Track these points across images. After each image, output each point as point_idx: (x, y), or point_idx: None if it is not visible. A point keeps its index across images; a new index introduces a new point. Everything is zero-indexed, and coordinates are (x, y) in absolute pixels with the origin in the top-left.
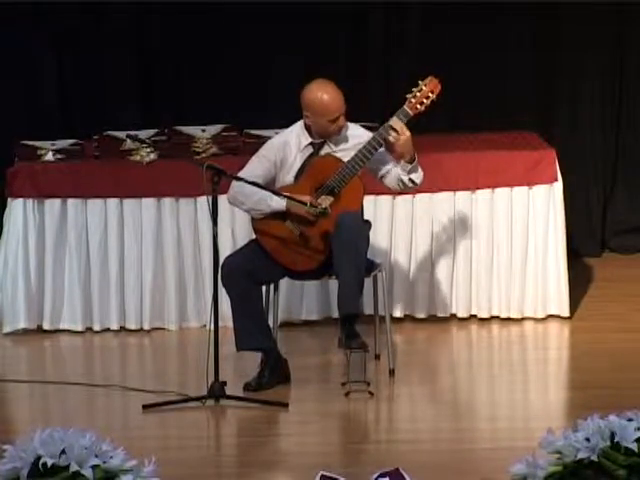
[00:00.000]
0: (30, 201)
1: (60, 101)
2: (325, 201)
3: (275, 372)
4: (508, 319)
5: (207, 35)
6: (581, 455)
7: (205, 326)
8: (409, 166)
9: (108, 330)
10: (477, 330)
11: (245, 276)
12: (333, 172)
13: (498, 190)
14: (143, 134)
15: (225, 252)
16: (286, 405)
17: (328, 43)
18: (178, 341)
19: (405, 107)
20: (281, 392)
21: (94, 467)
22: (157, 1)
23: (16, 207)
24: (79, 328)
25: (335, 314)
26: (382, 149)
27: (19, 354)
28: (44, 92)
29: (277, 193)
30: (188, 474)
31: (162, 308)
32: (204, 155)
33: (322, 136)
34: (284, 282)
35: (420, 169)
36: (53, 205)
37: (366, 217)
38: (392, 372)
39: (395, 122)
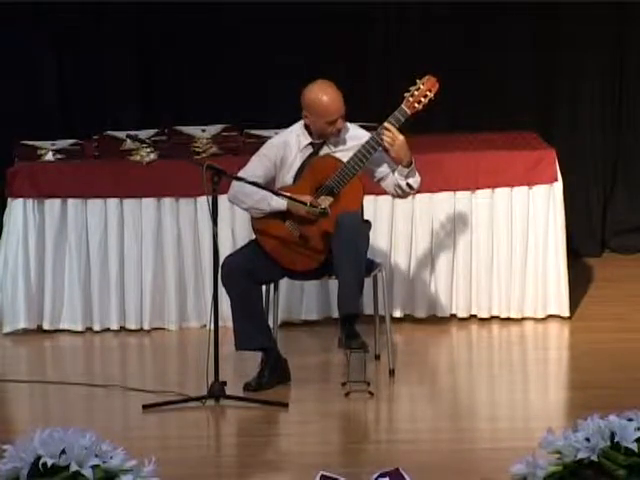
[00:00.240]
0: (30, 201)
1: (60, 101)
2: (325, 201)
3: (275, 372)
4: (508, 319)
5: (207, 35)
6: (581, 455)
7: (205, 326)
8: (406, 170)
9: (108, 330)
10: (477, 330)
11: (245, 276)
12: (333, 172)
13: (498, 190)
14: (143, 134)
15: (225, 252)
16: (286, 405)
17: (328, 43)
18: (178, 341)
19: (403, 106)
20: (281, 392)
21: (94, 467)
22: (157, 1)
23: (16, 207)
24: (79, 328)
25: (335, 314)
26: (381, 151)
27: (19, 354)
28: (44, 92)
29: (277, 193)
30: (188, 474)
31: (162, 308)
32: (204, 155)
33: (320, 137)
34: (284, 282)
35: (417, 174)
36: (53, 205)
37: (366, 217)
38: (392, 372)
39: (388, 126)
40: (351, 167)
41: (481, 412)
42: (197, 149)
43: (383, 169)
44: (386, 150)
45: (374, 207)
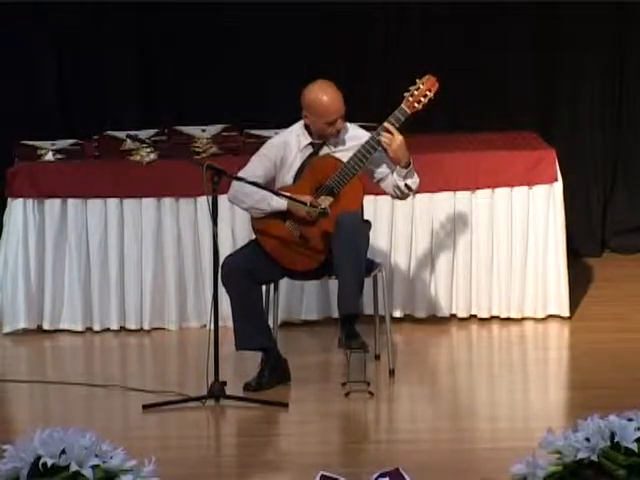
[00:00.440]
0: (30, 201)
1: (60, 101)
2: (325, 201)
3: (275, 372)
4: (508, 319)
5: (207, 35)
6: (581, 455)
7: (205, 326)
8: (404, 171)
9: (108, 330)
10: (477, 330)
11: (245, 276)
12: (333, 172)
13: (498, 190)
14: (143, 134)
15: (225, 252)
16: (286, 405)
17: (328, 43)
18: (178, 341)
19: (403, 106)
20: (281, 392)
21: (94, 467)
22: (157, 1)
23: (16, 207)
24: (79, 328)
25: (335, 314)
26: (381, 151)
27: (19, 354)
28: (44, 92)
29: (277, 193)
30: (188, 474)
31: (162, 308)
32: (204, 155)
33: (320, 137)
34: (284, 282)
35: (416, 175)
36: (53, 205)
37: (366, 217)
38: (392, 372)
39: (388, 126)
40: (351, 167)
41: (481, 412)
42: (197, 149)
43: (383, 169)
44: (385, 150)
45: (374, 207)
